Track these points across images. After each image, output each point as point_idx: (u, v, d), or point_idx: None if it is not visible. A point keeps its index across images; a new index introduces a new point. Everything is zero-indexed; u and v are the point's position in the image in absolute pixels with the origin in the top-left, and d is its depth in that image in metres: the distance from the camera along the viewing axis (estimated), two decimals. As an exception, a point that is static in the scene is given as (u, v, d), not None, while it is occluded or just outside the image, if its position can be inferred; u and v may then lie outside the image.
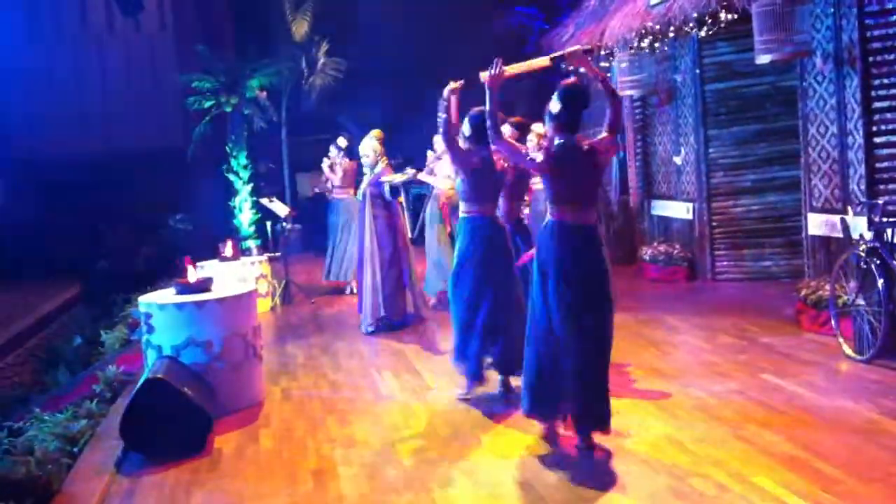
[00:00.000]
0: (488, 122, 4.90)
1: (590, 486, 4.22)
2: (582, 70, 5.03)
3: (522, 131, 6.73)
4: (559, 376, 4.72)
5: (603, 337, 4.68)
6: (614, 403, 4.81)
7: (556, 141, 4.74)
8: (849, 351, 6.20)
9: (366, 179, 8.52)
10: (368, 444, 5.09)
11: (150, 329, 5.82)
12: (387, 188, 8.29)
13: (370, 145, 8.49)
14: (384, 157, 8.48)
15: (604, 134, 4.72)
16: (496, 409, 5.59)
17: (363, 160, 8.54)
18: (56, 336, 11.45)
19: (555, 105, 4.75)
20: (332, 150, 11.11)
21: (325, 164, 11.15)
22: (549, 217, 4.78)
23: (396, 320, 8.30)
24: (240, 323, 5.95)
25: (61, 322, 12.35)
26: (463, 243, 5.89)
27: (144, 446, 5.12)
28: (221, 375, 5.77)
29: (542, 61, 4.96)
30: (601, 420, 4.67)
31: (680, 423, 5.07)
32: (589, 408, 4.67)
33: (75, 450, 5.25)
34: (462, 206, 5.96)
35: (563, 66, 5.20)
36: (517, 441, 4.96)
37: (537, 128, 6.98)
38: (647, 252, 10.40)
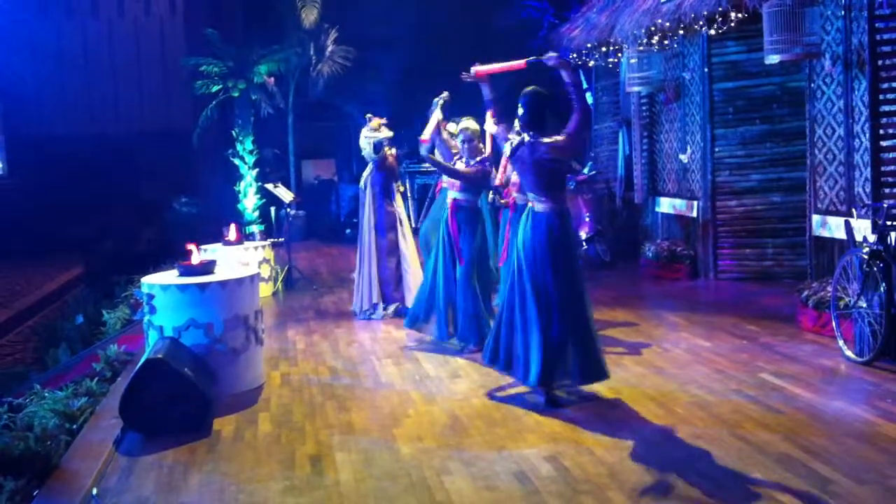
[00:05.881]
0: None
1: (584, 478, 4.25)
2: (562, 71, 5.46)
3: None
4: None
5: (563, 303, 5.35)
6: (613, 399, 4.87)
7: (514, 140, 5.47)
8: (849, 353, 6.21)
9: (368, 168, 8.58)
10: (366, 431, 5.12)
11: (152, 310, 5.84)
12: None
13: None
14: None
15: (560, 137, 5.35)
16: (495, 399, 5.62)
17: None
18: (58, 314, 11.48)
19: (519, 109, 5.43)
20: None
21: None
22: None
23: (402, 308, 8.32)
24: (241, 306, 5.96)
25: (64, 301, 12.38)
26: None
27: (143, 426, 5.16)
28: (222, 358, 5.80)
29: (518, 63, 5.65)
30: None
31: (677, 419, 5.09)
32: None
33: (74, 427, 5.27)
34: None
35: (548, 62, 5.53)
36: (514, 432, 4.99)
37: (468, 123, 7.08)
38: (650, 248, 10.40)
